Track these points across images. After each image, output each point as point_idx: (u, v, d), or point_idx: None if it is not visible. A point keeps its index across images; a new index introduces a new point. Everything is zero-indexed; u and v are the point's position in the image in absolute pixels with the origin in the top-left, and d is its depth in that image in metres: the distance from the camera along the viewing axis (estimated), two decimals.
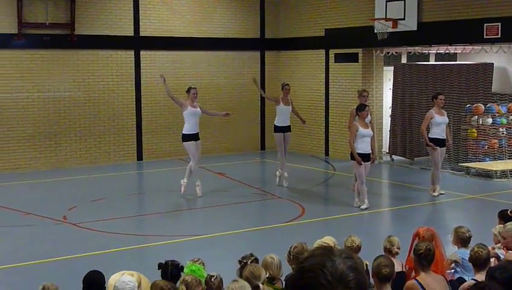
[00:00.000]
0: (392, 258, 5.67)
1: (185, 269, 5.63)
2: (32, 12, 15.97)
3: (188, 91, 13.03)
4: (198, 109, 12.95)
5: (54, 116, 16.46)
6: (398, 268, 5.85)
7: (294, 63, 19.30)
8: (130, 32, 17.31)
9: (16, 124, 16.00)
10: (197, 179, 12.96)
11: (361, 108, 11.86)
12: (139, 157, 17.64)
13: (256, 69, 19.43)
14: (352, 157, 11.77)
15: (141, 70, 17.50)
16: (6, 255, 9.33)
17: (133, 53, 17.38)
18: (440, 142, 12.80)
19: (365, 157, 11.74)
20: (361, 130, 11.65)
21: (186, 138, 12.82)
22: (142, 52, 17.49)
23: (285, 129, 13.98)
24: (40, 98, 16.25)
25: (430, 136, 12.85)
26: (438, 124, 12.77)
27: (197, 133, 12.90)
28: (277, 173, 14.20)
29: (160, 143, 17.95)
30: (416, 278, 5.39)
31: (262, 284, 5.06)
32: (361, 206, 11.89)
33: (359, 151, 11.67)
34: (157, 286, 5.11)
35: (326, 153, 18.40)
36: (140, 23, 17.42)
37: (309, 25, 18.67)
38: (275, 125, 14.08)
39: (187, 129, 12.81)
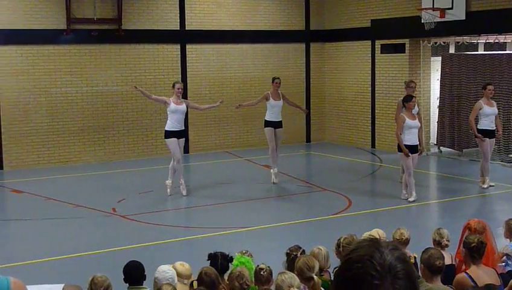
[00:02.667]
0: (441, 251, 5.61)
1: (234, 261, 5.68)
2: (80, 8, 16.23)
3: (173, 86, 12.53)
4: (183, 105, 12.42)
5: (103, 110, 16.72)
6: (447, 261, 5.78)
7: (340, 54, 19.17)
8: (175, 26, 17.45)
9: (65, 118, 16.30)
10: (181, 177, 12.59)
11: (408, 99, 11.73)
12: (186, 150, 17.78)
13: (301, 61, 19.38)
14: (400, 149, 11.66)
15: (187, 64, 17.64)
16: (58, 246, 9.54)
17: (179, 47, 17.52)
18: (489, 133, 12.57)
19: (412, 149, 11.61)
20: (408, 122, 11.52)
21: (168, 134, 12.41)
22: (188, 46, 17.62)
23: (276, 125, 13.47)
24: (88, 92, 16.53)
25: (478, 127, 12.63)
26: (487, 114, 12.55)
27: (181, 131, 12.42)
28: (271, 170, 13.72)
29: (207, 136, 18.08)
30: (467, 271, 5.32)
31: (316, 275, 5.06)
32: (409, 199, 11.77)
33: (406, 143, 11.55)
34: (204, 272, 5.20)
35: (373, 145, 18.25)
36: (186, 17, 17.54)
37: (354, 16, 18.52)
38: (265, 120, 13.59)
39: (169, 126, 12.38)
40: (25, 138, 15.90)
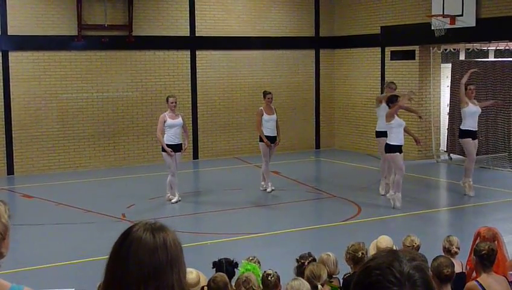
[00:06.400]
0: (451, 259, 5.59)
1: (240, 268, 5.68)
2: (91, 14, 16.32)
3: (167, 101, 12.46)
4: (179, 118, 12.32)
5: (113, 116, 16.78)
6: (457, 269, 5.75)
7: (350, 61, 19.17)
8: (186, 32, 17.51)
9: (76, 123, 16.38)
10: (176, 191, 12.48)
11: (393, 99, 11.65)
12: (195, 156, 17.83)
13: (311, 68, 19.39)
14: (388, 151, 11.62)
15: (197, 70, 17.69)
16: (68, 251, 9.58)
17: (189, 53, 17.58)
18: (473, 134, 12.49)
19: (401, 148, 11.60)
20: (396, 121, 11.49)
21: (163, 148, 12.33)
22: (197, 52, 17.67)
23: (273, 140, 13.25)
24: (99, 98, 16.60)
25: (462, 127, 12.56)
26: (472, 113, 12.39)
27: (178, 145, 12.34)
28: (267, 189, 13.37)
29: (216, 142, 18.11)
30: (477, 279, 5.29)
31: (322, 285, 5.06)
32: (387, 195, 11.89)
33: (395, 143, 11.51)
34: (212, 279, 5.20)
35: None
36: (196, 24, 17.60)
37: (364, 23, 18.52)
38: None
39: (166, 139, 12.27)
40: (36, 143, 15.98)
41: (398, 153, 11.57)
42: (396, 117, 11.55)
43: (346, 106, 19.34)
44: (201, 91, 17.75)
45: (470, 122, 12.46)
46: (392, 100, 11.70)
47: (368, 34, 18.36)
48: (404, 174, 11.69)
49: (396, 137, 11.54)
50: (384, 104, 12.51)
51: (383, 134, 12.48)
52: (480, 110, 12.66)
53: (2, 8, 15.43)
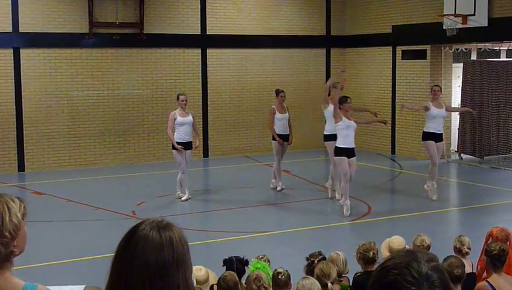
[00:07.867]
0: (462, 259, 5.57)
1: (250, 267, 5.67)
2: (102, 12, 16.36)
3: (177, 98, 12.42)
4: (189, 116, 12.28)
5: (123, 114, 16.82)
6: (468, 269, 5.72)
7: (361, 60, 19.12)
8: (197, 30, 17.52)
9: (86, 121, 16.43)
10: (186, 189, 12.48)
11: (341, 100, 11.26)
12: (205, 154, 17.84)
13: (322, 67, 19.36)
14: (335, 154, 11.26)
15: (208, 69, 17.70)
16: (79, 247, 9.61)
17: (200, 51, 17.59)
18: (436, 137, 12.28)
19: (349, 152, 11.22)
20: (344, 122, 11.11)
21: (174, 146, 12.32)
22: (208, 50, 17.68)
23: (284, 138, 13.16)
24: (109, 95, 16.64)
25: (425, 130, 12.34)
26: (434, 116, 12.16)
27: (188, 142, 12.31)
28: (277, 187, 13.37)
29: (226, 140, 18.11)
30: (488, 279, 5.27)
31: (332, 284, 5.05)
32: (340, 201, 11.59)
33: (342, 146, 11.17)
34: (222, 277, 5.19)
35: (393, 151, 18.16)
36: (207, 22, 17.61)
37: (375, 22, 18.47)
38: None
39: (176, 137, 12.22)
40: (47, 140, 16.04)
41: (345, 158, 11.08)
42: (344, 118, 11.08)
43: (357, 105, 19.25)
44: (212, 89, 17.76)
45: (433, 125, 12.18)
46: (340, 101, 11.23)
47: (379, 33, 18.31)
48: (348, 180, 11.20)
49: (344, 140, 11.09)
50: (331, 106, 12.32)
51: (330, 137, 12.22)
52: (445, 114, 12.40)
53: (14, 6, 15.49)
